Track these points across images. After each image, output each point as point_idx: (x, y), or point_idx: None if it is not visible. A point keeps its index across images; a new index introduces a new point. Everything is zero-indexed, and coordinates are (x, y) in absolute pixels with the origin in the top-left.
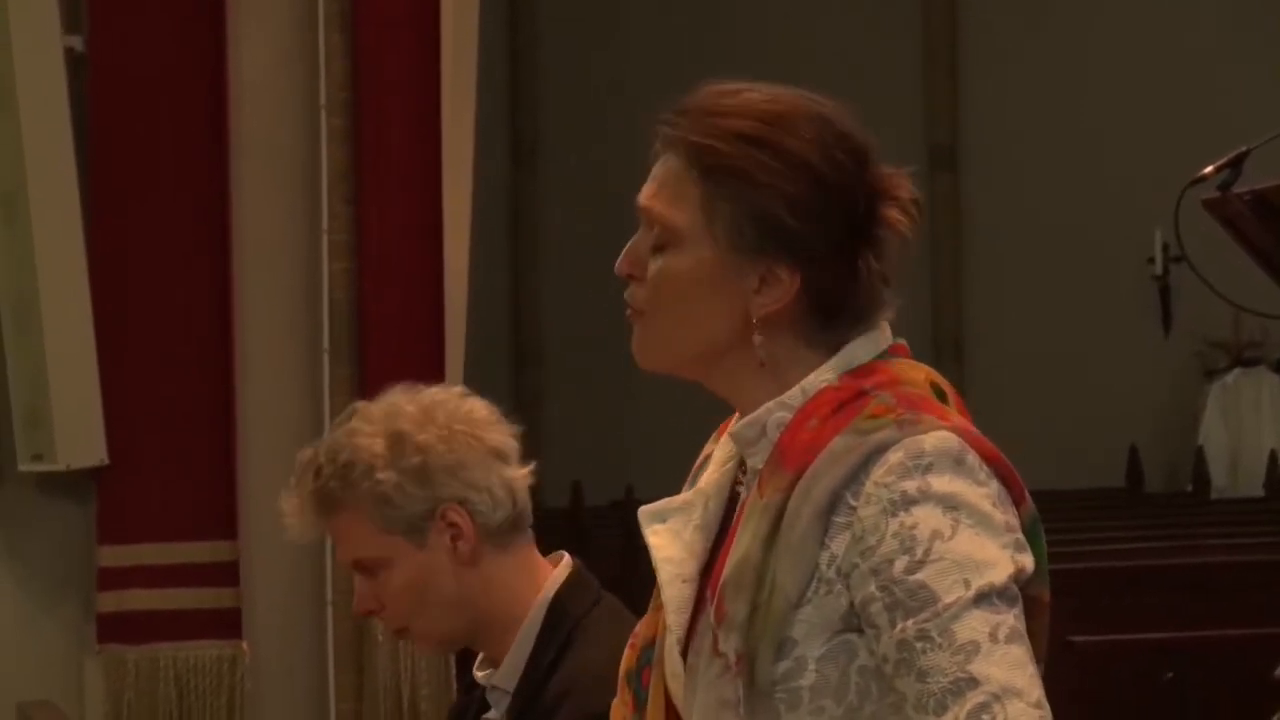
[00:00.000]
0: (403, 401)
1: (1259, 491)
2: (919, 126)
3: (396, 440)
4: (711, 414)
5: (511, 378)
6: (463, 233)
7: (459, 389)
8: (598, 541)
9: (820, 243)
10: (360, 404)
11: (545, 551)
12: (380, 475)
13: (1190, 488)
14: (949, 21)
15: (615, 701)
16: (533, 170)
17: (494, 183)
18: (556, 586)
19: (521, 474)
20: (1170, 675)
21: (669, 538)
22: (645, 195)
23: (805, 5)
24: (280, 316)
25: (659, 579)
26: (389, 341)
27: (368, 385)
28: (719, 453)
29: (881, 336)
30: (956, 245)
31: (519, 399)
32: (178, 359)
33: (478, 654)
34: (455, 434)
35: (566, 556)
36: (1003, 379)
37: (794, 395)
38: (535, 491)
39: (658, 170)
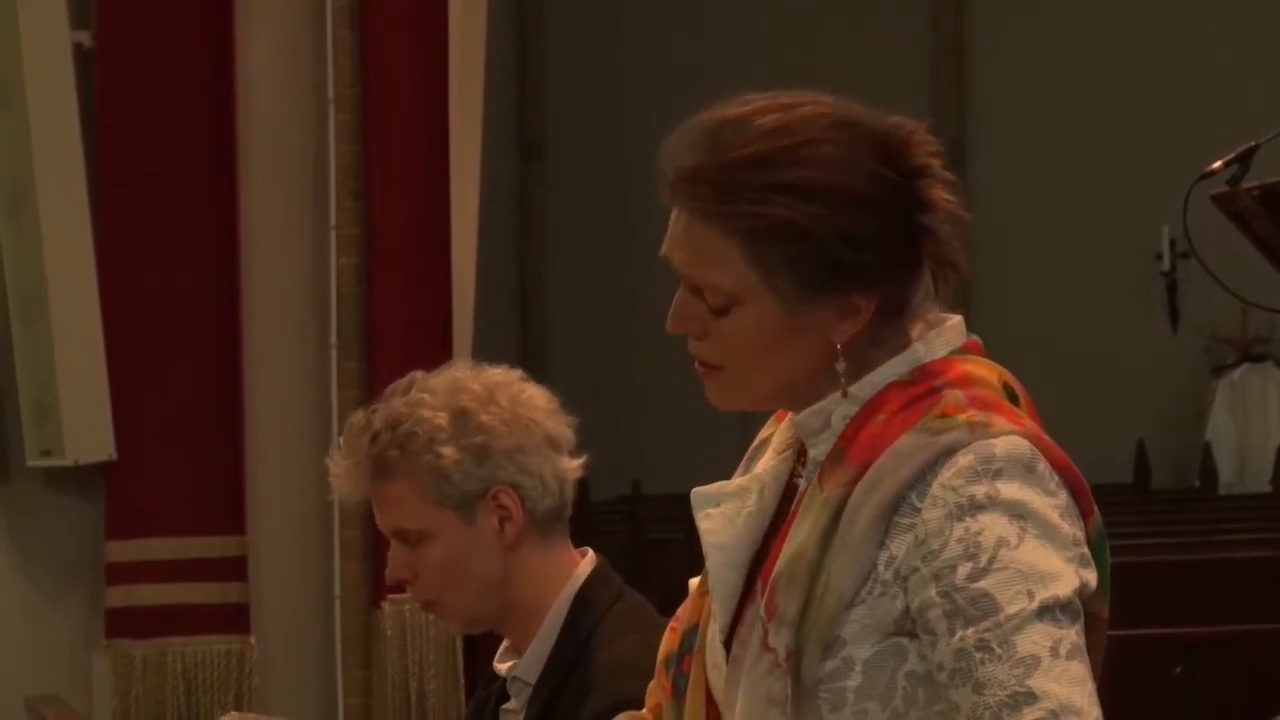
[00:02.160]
0: (467, 378)
1: (1266, 487)
2: (926, 123)
3: (460, 416)
4: (718, 411)
5: None
6: (470, 228)
7: (518, 373)
8: (604, 537)
9: (886, 260)
10: (418, 375)
11: None
12: (441, 449)
13: (1198, 483)
14: (957, 17)
15: (652, 684)
16: (541, 166)
17: (502, 178)
18: (581, 580)
19: (573, 465)
20: (1179, 670)
21: (721, 523)
22: (681, 261)
23: (812, 1)
24: (288, 311)
25: (708, 565)
26: (396, 337)
27: (375, 380)
28: (778, 439)
29: (955, 333)
30: (964, 241)
31: None
32: (186, 354)
33: (494, 646)
34: (517, 417)
35: (590, 552)
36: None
37: (862, 387)
38: (580, 485)
39: (684, 231)
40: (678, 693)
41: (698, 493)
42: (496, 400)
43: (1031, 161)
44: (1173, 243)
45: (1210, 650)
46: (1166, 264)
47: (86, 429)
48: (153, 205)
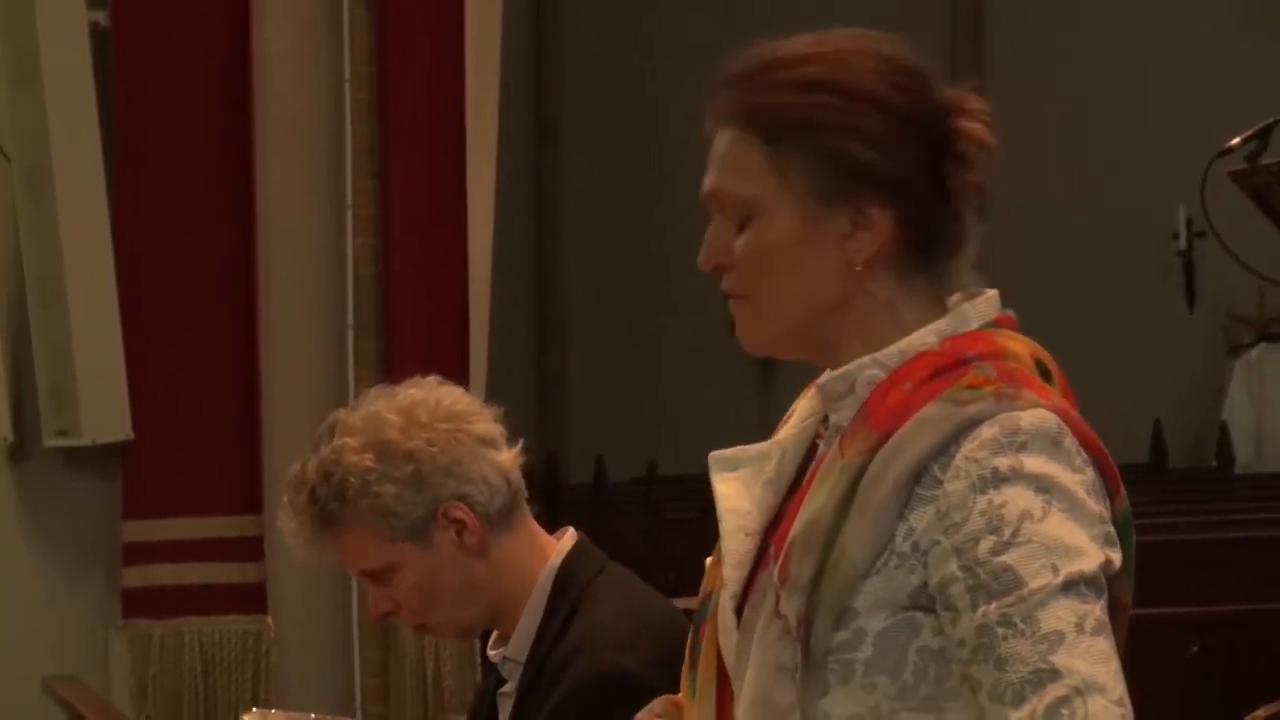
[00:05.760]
0: (382, 408)
1: None
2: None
3: (384, 451)
4: (734, 391)
5: (535, 353)
6: (486, 207)
7: (434, 379)
8: (620, 518)
9: (904, 170)
10: (340, 414)
11: (557, 526)
12: (376, 489)
13: (1214, 463)
14: None
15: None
16: (557, 146)
17: (518, 159)
18: (562, 557)
19: (511, 456)
20: (1195, 649)
21: (737, 487)
22: (709, 180)
23: None
24: (305, 291)
25: (721, 530)
26: (413, 316)
27: (392, 359)
28: (803, 406)
29: (990, 306)
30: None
31: (542, 374)
32: (202, 334)
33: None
34: (441, 432)
35: (571, 530)
36: None
37: (890, 355)
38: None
39: (715, 149)
40: (693, 659)
41: (715, 456)
42: (417, 420)
43: (1047, 140)
44: (1189, 221)
45: (1226, 629)
46: (1183, 243)
47: (103, 409)
48: (169, 185)
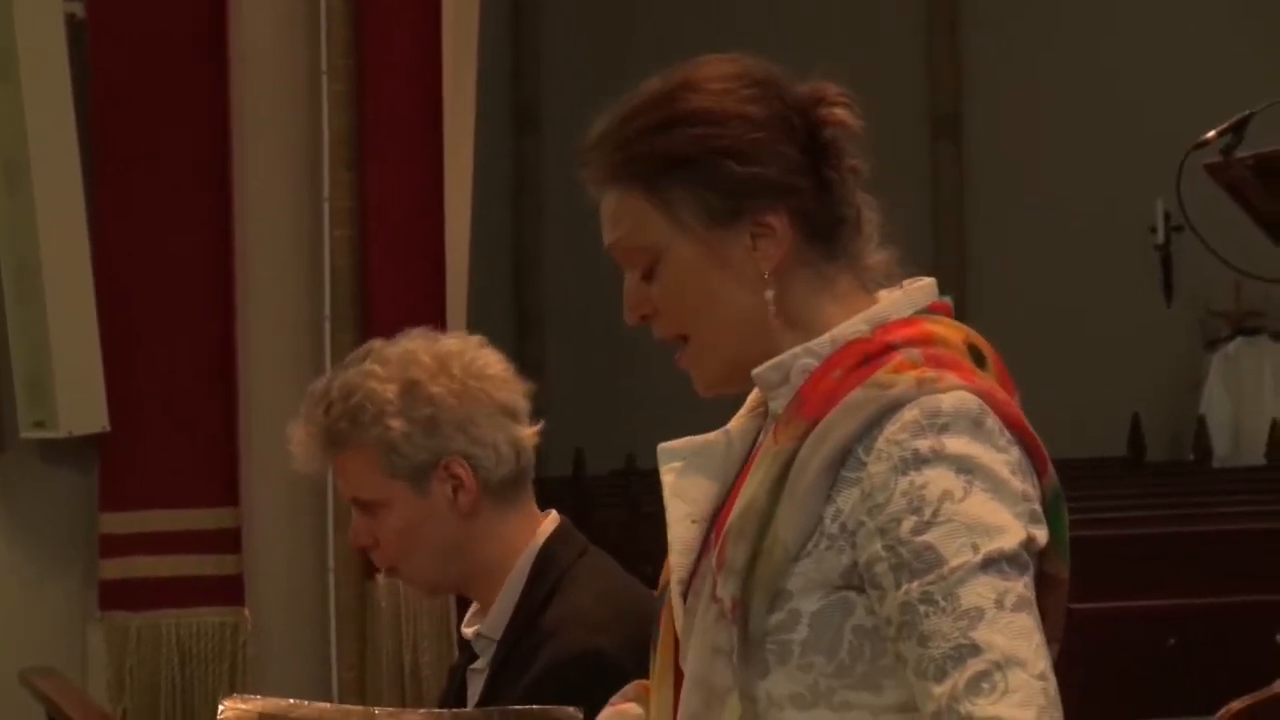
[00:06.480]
0: (420, 349)
1: (1260, 460)
2: (921, 97)
3: (409, 388)
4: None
5: (513, 344)
6: (464, 199)
7: (477, 339)
8: (599, 510)
9: (783, 172)
10: (376, 343)
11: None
12: (390, 422)
13: (1192, 457)
14: None
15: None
16: (535, 136)
17: (496, 149)
18: (544, 538)
19: (529, 432)
20: (1172, 642)
21: (687, 476)
22: (607, 239)
23: None
24: (282, 283)
25: (667, 518)
26: (391, 308)
27: None
28: (751, 398)
29: (923, 293)
30: (958, 215)
31: (521, 365)
32: (179, 326)
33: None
34: (468, 388)
35: (554, 512)
36: (1004, 348)
37: (823, 343)
38: (539, 455)
39: (603, 211)
40: (654, 645)
41: (664, 447)
42: (448, 371)
43: (1025, 135)
44: (1167, 216)
45: (1205, 622)
46: (1160, 237)
47: (80, 401)
48: (146, 177)
